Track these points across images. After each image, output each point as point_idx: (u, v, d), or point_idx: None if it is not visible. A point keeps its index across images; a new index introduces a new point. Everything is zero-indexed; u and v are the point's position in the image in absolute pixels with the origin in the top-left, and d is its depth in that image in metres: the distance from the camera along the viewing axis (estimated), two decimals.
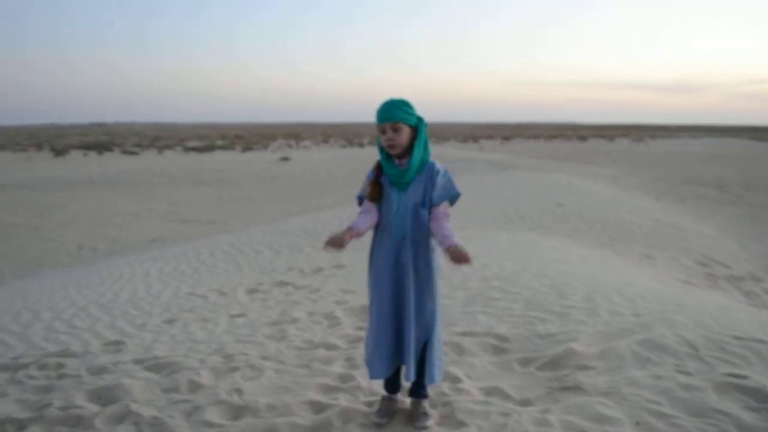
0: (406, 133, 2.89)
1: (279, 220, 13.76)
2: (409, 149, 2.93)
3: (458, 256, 2.72)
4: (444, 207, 2.93)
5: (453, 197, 2.94)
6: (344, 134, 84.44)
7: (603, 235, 10.43)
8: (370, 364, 2.99)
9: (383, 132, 2.90)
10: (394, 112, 2.87)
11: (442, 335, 3.14)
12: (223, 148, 49.71)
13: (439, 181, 2.92)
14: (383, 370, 2.96)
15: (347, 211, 13.14)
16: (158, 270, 7.96)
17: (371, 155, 33.81)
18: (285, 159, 33.07)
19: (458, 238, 2.84)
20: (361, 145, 52.82)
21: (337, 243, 2.71)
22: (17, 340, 5.01)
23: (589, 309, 4.73)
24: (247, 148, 48.68)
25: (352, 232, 2.82)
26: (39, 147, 50.73)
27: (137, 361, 4.05)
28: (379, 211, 2.98)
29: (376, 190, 2.93)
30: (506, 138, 72.58)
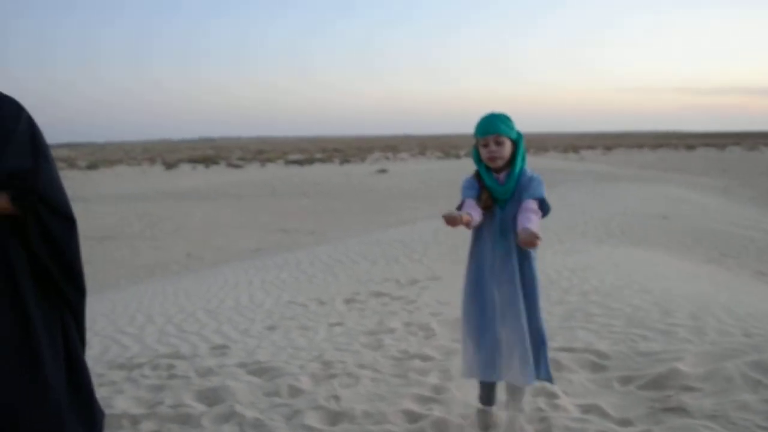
0: (508, 146, 2.91)
1: (375, 231, 13.96)
2: (509, 163, 2.95)
3: (526, 238, 2.64)
4: (532, 203, 2.85)
5: (538, 197, 2.89)
6: (441, 146, 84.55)
7: (712, 249, 9.93)
8: (466, 364, 3.03)
9: (485, 145, 2.92)
10: (498, 125, 2.90)
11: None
12: (322, 161, 50.96)
13: (527, 182, 2.91)
14: (480, 372, 2.99)
15: (443, 223, 13.18)
16: (261, 279, 8.27)
17: (468, 166, 33.51)
18: (382, 171, 33.52)
19: (538, 228, 2.75)
20: (458, 157, 52.70)
21: (451, 220, 2.71)
22: (132, 341, 5.36)
23: (696, 327, 4.53)
24: (345, 161, 49.69)
25: (468, 218, 2.77)
26: (152, 161, 53.87)
27: (241, 365, 4.24)
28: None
29: (489, 197, 2.94)
30: (608, 148, 70.40)
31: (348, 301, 6.43)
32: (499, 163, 2.91)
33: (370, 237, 12.21)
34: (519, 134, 2.97)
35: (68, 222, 2.32)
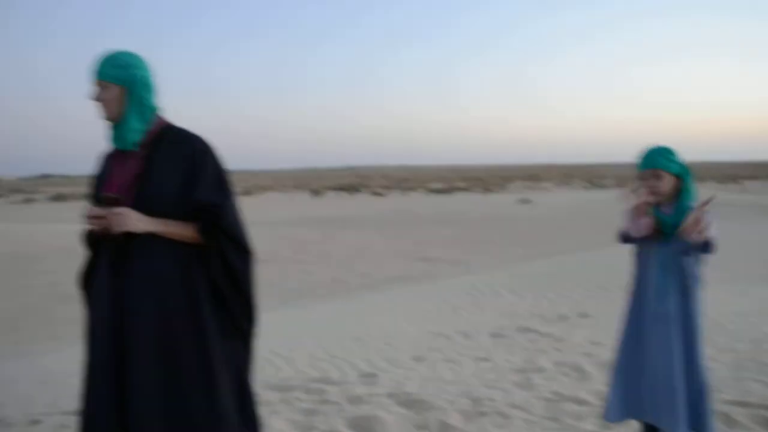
0: (667, 181, 2.81)
1: (519, 263, 13.67)
2: (673, 198, 2.83)
3: (691, 221, 2.62)
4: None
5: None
6: (586, 175, 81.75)
7: None
8: (609, 402, 2.95)
9: (645, 179, 2.84)
10: (657, 159, 2.81)
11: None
12: (463, 189, 50.95)
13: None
14: (623, 409, 2.91)
15: (591, 257, 12.66)
16: (405, 308, 8.34)
17: (615, 198, 32.22)
18: (525, 201, 32.91)
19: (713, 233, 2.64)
20: (604, 187, 50.67)
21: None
22: (285, 363, 5.57)
23: None
24: (486, 190, 49.36)
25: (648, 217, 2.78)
26: (300, 188, 56.45)
27: (390, 395, 4.27)
28: (639, 256, 2.92)
29: (658, 223, 2.83)
30: None
31: (494, 336, 6.31)
32: (658, 198, 2.83)
33: (515, 269, 11.98)
34: (683, 168, 2.84)
35: (247, 254, 2.47)
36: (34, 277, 13.09)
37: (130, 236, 2.32)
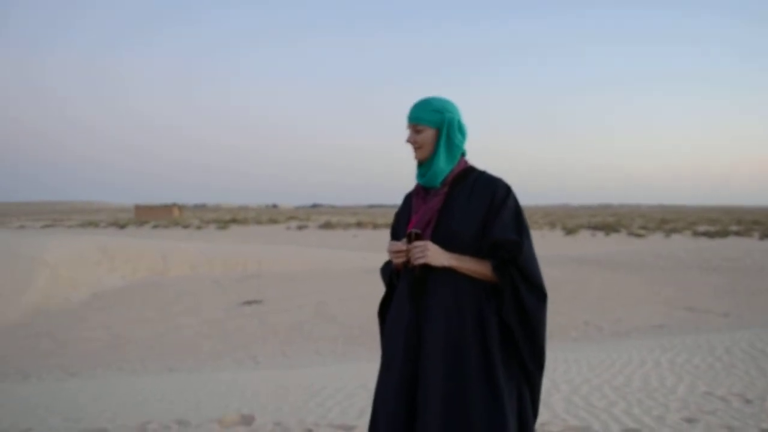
0: None
1: None
2: None
3: None
4: None
5: None
6: None
7: None
8: None
9: None
10: None
11: None
12: (738, 233, 45.85)
13: None
14: None
15: None
16: (669, 360, 7.69)
17: None
18: None
19: None
20: None
21: None
22: (542, 406, 5.44)
23: None
24: (765, 235, 43.84)
25: None
26: (552, 225, 55.32)
27: None
28: None
29: None
30: None
31: None
32: None
33: None
34: None
35: (541, 295, 2.50)
36: (306, 296, 14.48)
37: (427, 269, 2.48)
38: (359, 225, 55.43)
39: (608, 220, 64.88)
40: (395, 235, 2.71)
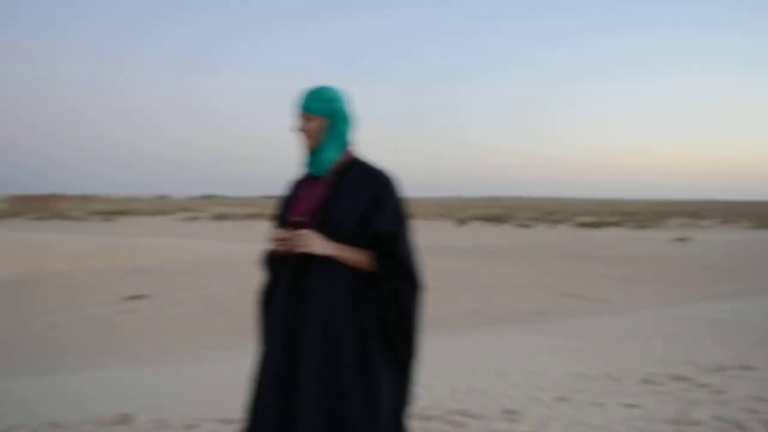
0: None
1: (672, 306, 12.84)
2: None
3: None
4: None
5: None
6: (753, 214, 75.35)
7: None
8: None
9: None
10: None
11: None
12: (614, 224, 48.79)
13: None
14: None
15: (756, 302, 11.64)
16: (547, 344, 8.11)
17: None
18: (682, 240, 30.90)
19: None
20: None
21: None
22: (424, 392, 5.58)
23: None
24: (639, 227, 46.93)
25: None
26: (444, 217, 56.73)
27: None
28: None
29: None
30: None
31: (644, 381, 5.96)
32: None
33: (668, 311, 11.28)
34: None
35: (417, 288, 2.56)
36: (195, 289, 14.11)
37: (308, 258, 2.49)
38: (254, 216, 54.53)
39: (498, 212, 67.29)
40: (279, 223, 2.70)
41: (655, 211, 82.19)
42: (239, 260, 19.56)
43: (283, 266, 2.60)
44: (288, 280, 2.54)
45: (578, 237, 33.50)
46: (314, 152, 2.62)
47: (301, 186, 2.68)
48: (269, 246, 2.64)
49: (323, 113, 2.59)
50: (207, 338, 9.69)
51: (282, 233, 2.51)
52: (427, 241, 30.25)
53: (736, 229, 45.25)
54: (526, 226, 45.67)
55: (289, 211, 2.63)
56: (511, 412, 4.78)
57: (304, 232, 2.45)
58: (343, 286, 2.48)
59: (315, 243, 2.44)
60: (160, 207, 77.93)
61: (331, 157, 2.60)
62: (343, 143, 2.63)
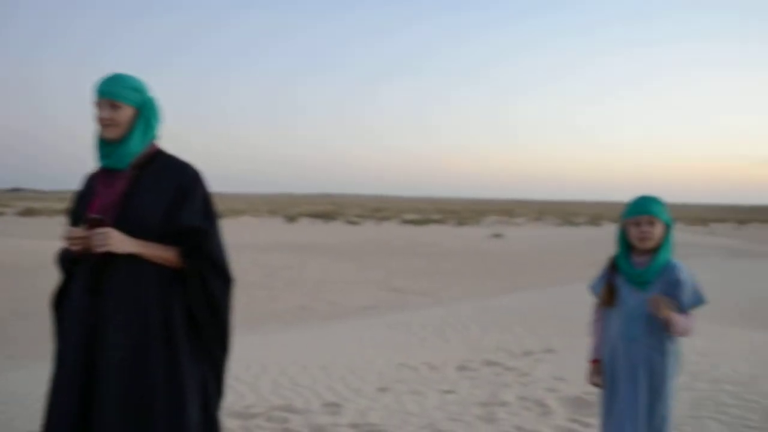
0: (659, 229, 2.83)
1: (488, 297, 13.74)
2: (656, 247, 2.85)
3: (656, 305, 2.72)
4: (690, 314, 2.80)
5: (699, 304, 2.79)
6: (559, 212, 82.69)
7: None
8: None
9: (637, 224, 2.84)
10: (653, 206, 2.84)
11: None
12: (437, 221, 51.17)
13: (688, 285, 2.80)
14: None
15: (558, 292, 12.77)
16: (372, 338, 8.32)
17: (587, 235, 32.66)
18: (497, 235, 33.15)
19: (683, 327, 2.73)
20: (576, 225, 51.28)
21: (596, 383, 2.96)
22: (248, 390, 5.50)
23: None
24: (460, 223, 49.64)
25: (597, 364, 2.96)
26: (273, 213, 56.23)
27: (353, 426, 4.25)
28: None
29: (610, 294, 2.87)
30: (741, 222, 66.05)
31: (460, 368, 6.32)
32: (650, 244, 2.82)
33: (484, 303, 12.02)
34: (671, 221, 2.88)
35: (227, 282, 2.48)
36: None
37: (109, 256, 2.32)
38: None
39: (327, 209, 67.92)
40: (74, 220, 2.50)
41: (475, 209, 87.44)
42: (48, 261, 18.03)
43: (79, 265, 2.41)
44: (86, 279, 2.36)
45: (404, 234, 34.75)
46: (117, 144, 2.43)
47: (98, 180, 2.48)
48: (64, 245, 2.43)
49: (134, 102, 2.42)
50: (11, 347, 8.81)
51: (77, 231, 2.32)
52: (256, 237, 29.82)
53: (545, 226, 49.39)
54: (354, 223, 46.54)
55: (86, 206, 2.43)
56: (334, 405, 4.84)
57: (103, 230, 2.28)
58: (149, 286, 2.35)
59: (115, 241, 2.28)
60: None
61: (136, 149, 2.44)
62: (150, 136, 2.49)
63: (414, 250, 25.82)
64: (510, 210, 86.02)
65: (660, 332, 2.80)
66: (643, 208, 2.84)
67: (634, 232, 2.85)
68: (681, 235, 35.16)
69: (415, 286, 17.30)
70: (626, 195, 2.91)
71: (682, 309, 2.79)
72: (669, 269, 2.82)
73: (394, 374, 6.08)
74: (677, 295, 2.78)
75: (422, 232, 36.49)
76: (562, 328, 8.80)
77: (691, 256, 20.53)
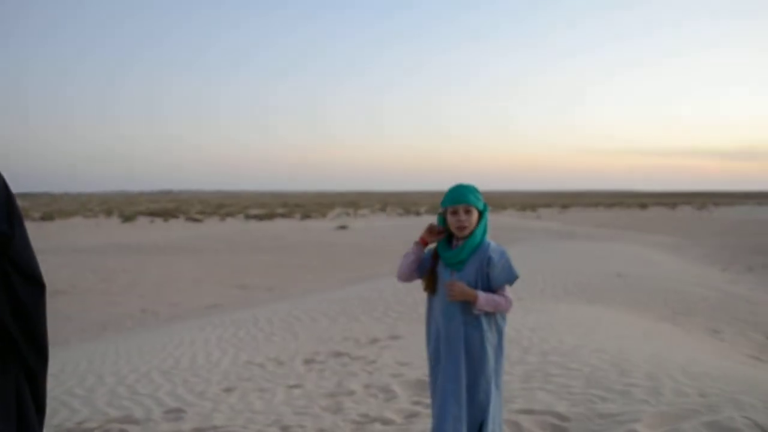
0: (475, 216, 2.96)
1: (335, 288, 13.88)
2: (472, 233, 2.99)
3: (451, 290, 2.86)
4: (503, 290, 2.94)
5: (512, 280, 2.95)
6: (401, 203, 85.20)
7: (666, 307, 10.11)
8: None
9: (454, 213, 2.95)
10: (468, 195, 2.96)
11: (501, 416, 3.08)
12: (283, 216, 50.78)
13: (498, 262, 2.93)
14: None
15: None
16: (217, 337, 8.11)
17: (427, 223, 33.88)
18: (342, 227, 33.52)
19: (489, 302, 2.86)
20: (418, 214, 53.12)
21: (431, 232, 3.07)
22: (82, 404, 5.16)
23: (652, 388, 4.58)
24: (306, 216, 49.61)
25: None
26: (109, 213, 52.93)
27: (197, 431, 4.11)
28: (433, 293, 3.03)
29: (431, 281, 2.98)
30: (564, 206, 71.85)
31: (307, 362, 6.33)
32: (467, 231, 2.96)
33: (330, 294, 12.13)
34: (485, 206, 3.03)
35: (38, 287, 2.30)
36: None
37: None
38: None
39: (168, 206, 65.06)
40: None
41: (320, 202, 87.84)
42: None
43: None
44: None
45: (249, 229, 34.13)
46: None
47: None
48: None
49: None
50: None
51: None
52: (90, 239, 27.91)
53: (388, 217, 50.66)
54: (197, 220, 44.99)
55: None
56: (177, 411, 4.67)
57: None
58: None
59: None
60: None
61: None
62: None
63: (259, 245, 25.46)
64: (355, 202, 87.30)
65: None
66: (459, 198, 2.96)
67: (452, 221, 2.98)
68: (513, 220, 37.61)
69: (261, 282, 17.08)
70: (455, 183, 3.04)
71: (495, 285, 2.95)
72: (482, 249, 2.98)
73: (240, 373, 5.96)
74: (489, 272, 2.94)
75: (267, 227, 36.05)
76: (407, 314, 9.09)
77: (521, 239, 22.03)
